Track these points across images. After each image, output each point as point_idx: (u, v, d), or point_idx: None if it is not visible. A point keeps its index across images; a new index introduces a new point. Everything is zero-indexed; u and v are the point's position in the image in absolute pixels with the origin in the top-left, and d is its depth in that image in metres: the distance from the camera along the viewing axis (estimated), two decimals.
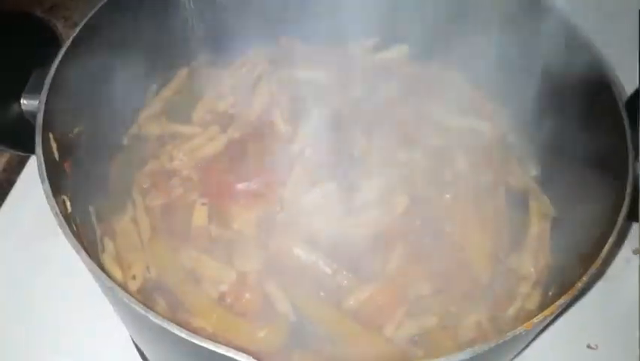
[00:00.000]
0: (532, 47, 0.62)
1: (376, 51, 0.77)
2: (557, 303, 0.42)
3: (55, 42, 0.65)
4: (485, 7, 0.67)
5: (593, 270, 0.43)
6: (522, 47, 0.64)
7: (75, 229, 0.51)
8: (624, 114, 0.53)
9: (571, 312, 0.67)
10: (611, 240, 0.45)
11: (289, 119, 0.71)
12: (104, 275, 0.41)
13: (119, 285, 0.52)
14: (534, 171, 0.68)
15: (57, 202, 0.46)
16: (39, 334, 0.65)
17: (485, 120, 0.70)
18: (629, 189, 0.48)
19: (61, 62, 0.55)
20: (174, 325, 0.39)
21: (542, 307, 0.55)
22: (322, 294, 0.59)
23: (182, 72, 0.75)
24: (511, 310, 0.58)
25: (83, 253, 0.42)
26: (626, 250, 0.74)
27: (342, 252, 0.62)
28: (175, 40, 0.73)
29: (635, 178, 0.50)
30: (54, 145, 0.52)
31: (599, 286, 0.70)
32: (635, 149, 0.52)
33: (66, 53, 0.56)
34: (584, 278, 0.43)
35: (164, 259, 0.60)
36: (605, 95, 0.55)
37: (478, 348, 0.38)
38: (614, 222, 0.46)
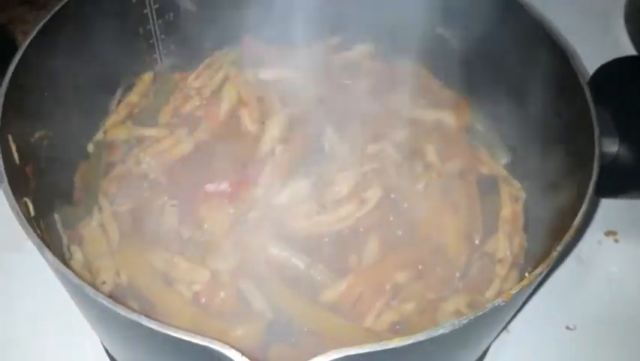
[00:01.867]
0: (494, 36, 0.63)
1: (341, 50, 0.78)
2: (535, 273, 0.42)
3: (13, 48, 0.63)
4: (449, 3, 0.67)
5: (567, 239, 0.44)
6: (485, 37, 0.64)
7: (39, 232, 0.50)
8: (587, 92, 0.53)
9: (548, 295, 0.67)
10: (582, 210, 0.45)
11: (257, 118, 0.70)
12: (70, 273, 0.40)
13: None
14: (504, 158, 0.69)
15: (19, 204, 0.45)
16: (6, 348, 0.63)
17: (452, 111, 0.70)
18: (596, 164, 0.48)
19: (18, 65, 0.54)
20: (145, 317, 0.38)
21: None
22: (298, 289, 0.58)
23: (147, 76, 0.74)
24: (490, 293, 0.58)
25: (47, 252, 0.40)
26: (598, 233, 0.74)
27: (316, 247, 0.61)
28: (139, 44, 0.72)
29: (601, 153, 0.50)
30: (13, 146, 0.50)
31: (574, 269, 0.71)
32: (600, 125, 0.53)
33: (23, 55, 0.55)
34: (559, 248, 0.43)
35: (135, 262, 0.59)
36: (567, 74, 0.56)
37: (458, 322, 0.38)
38: (584, 196, 0.46)
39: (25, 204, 0.49)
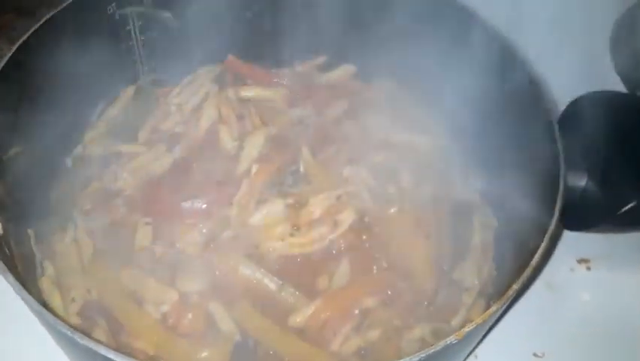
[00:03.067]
0: (470, 65, 0.64)
1: (323, 70, 0.78)
2: (489, 311, 0.43)
3: None
4: (426, 28, 0.68)
5: (524, 277, 0.44)
6: (461, 66, 0.65)
7: (8, 252, 0.50)
8: (556, 129, 0.54)
9: (517, 320, 0.68)
10: (541, 247, 0.46)
11: (236, 137, 0.71)
12: (30, 297, 0.40)
13: (57, 308, 0.51)
14: (477, 184, 0.69)
15: None
16: None
17: (427, 135, 0.71)
18: (559, 202, 0.49)
19: None
20: (103, 346, 0.38)
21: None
22: (268, 312, 0.58)
23: (128, 91, 0.74)
24: (455, 321, 0.59)
25: (10, 275, 0.41)
26: (571, 260, 0.75)
27: (288, 269, 0.62)
28: (121, 59, 0.73)
29: (565, 190, 0.51)
30: None
31: (545, 295, 0.72)
32: (568, 160, 0.54)
33: (2, 71, 0.56)
34: (515, 286, 0.44)
35: (106, 280, 0.59)
36: (537, 108, 0.57)
37: (408, 359, 0.38)
38: (544, 233, 0.47)
39: None
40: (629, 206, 0.54)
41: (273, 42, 0.76)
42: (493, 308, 0.43)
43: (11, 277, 0.41)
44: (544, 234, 0.47)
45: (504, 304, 0.43)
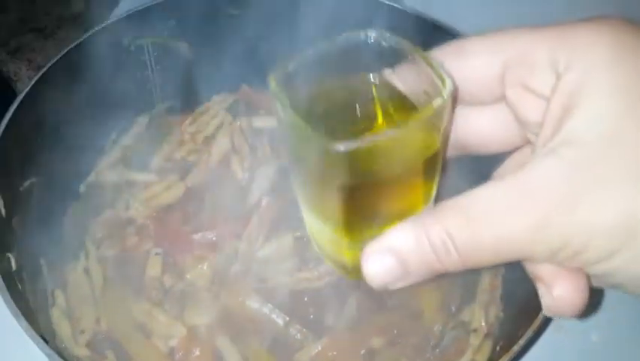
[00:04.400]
0: None
1: None
2: None
3: (9, 92, 0.65)
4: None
5: (530, 333, 0.44)
6: None
7: (21, 287, 0.51)
8: None
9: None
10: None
11: (247, 167, 0.71)
12: (41, 341, 0.41)
13: (66, 338, 0.52)
14: None
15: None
16: None
17: None
18: None
19: (12, 117, 0.55)
20: None
21: (491, 359, 0.57)
22: (275, 348, 0.59)
23: (143, 120, 0.75)
24: None
25: (23, 320, 0.42)
26: None
27: (296, 304, 0.62)
28: (136, 88, 0.73)
29: None
30: (0, 202, 0.51)
31: (553, 336, 0.71)
32: None
33: (19, 107, 0.57)
34: (521, 342, 0.44)
35: (116, 311, 0.60)
36: None
37: None
38: None
39: (8, 260, 0.50)
40: None
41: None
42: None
43: (24, 322, 0.42)
44: None
45: (514, 354, 0.43)
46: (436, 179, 0.38)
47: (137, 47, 0.70)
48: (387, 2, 0.68)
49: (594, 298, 0.66)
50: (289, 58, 0.37)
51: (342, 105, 0.39)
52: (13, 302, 0.43)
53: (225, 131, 0.74)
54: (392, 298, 0.63)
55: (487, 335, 0.61)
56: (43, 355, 0.48)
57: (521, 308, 0.57)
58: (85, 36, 0.64)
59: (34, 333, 0.41)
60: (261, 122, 0.76)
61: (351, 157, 0.32)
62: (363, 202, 0.36)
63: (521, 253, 0.32)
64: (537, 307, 0.48)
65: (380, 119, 0.38)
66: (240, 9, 0.71)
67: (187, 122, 0.76)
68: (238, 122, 0.75)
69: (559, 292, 0.34)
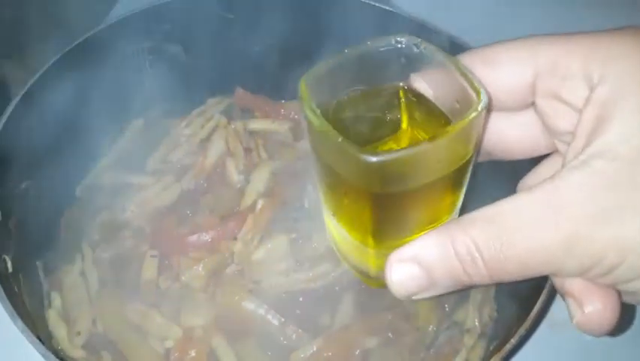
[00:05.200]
0: None
1: None
2: None
3: (3, 95, 0.66)
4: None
5: (522, 332, 0.45)
6: None
7: (17, 289, 0.51)
8: None
9: (515, 358, 0.68)
10: (540, 300, 0.46)
11: (242, 170, 0.72)
12: (37, 342, 0.41)
13: (62, 340, 0.52)
14: None
15: None
16: None
17: None
18: None
19: (8, 119, 0.56)
20: None
21: (485, 359, 0.57)
22: (270, 348, 0.59)
23: (138, 122, 0.75)
24: None
25: (19, 320, 0.42)
26: None
27: (291, 305, 0.62)
28: (131, 91, 0.74)
29: None
30: None
31: (547, 333, 0.72)
32: None
33: (14, 110, 0.57)
34: (513, 340, 0.44)
35: (111, 313, 0.60)
36: None
37: None
38: (543, 287, 0.47)
39: (4, 261, 0.50)
40: None
41: (281, 75, 0.77)
42: (496, 358, 0.43)
43: (20, 323, 0.42)
44: (544, 286, 0.48)
45: (501, 357, 0.44)
46: (464, 188, 0.38)
47: (133, 51, 0.71)
48: (375, 4, 0.69)
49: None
50: (319, 63, 0.37)
51: (369, 109, 0.38)
52: (9, 304, 0.43)
53: (220, 133, 0.75)
54: (386, 298, 0.63)
55: (481, 335, 0.61)
56: (39, 356, 0.49)
57: (515, 308, 0.57)
58: (80, 39, 0.64)
59: (30, 334, 0.42)
60: (256, 124, 0.77)
61: (384, 168, 0.32)
62: (392, 211, 0.35)
63: (550, 268, 0.31)
64: (531, 306, 0.50)
65: (405, 124, 0.39)
66: (235, 12, 0.72)
67: (182, 124, 0.76)
68: (233, 125, 0.76)
69: (590, 310, 0.33)
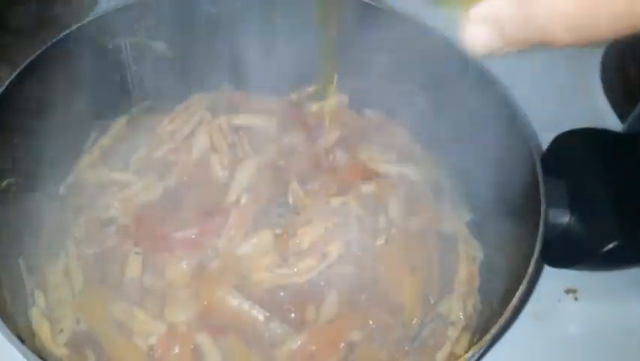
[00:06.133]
0: (457, 102, 0.65)
1: (316, 99, 0.79)
2: (474, 348, 0.43)
3: None
4: (419, 65, 0.69)
5: (502, 322, 0.45)
6: (449, 103, 0.66)
7: None
8: (539, 168, 0.55)
9: (503, 352, 0.68)
10: (520, 290, 0.47)
11: (227, 165, 0.72)
12: (16, 340, 0.41)
13: (45, 338, 0.52)
14: (467, 216, 0.70)
15: None
16: None
17: (416, 167, 0.72)
18: (538, 243, 0.50)
19: None
20: None
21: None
22: (255, 344, 0.59)
23: (122, 119, 0.75)
24: (440, 356, 0.59)
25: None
26: (558, 290, 0.76)
27: (276, 300, 0.62)
28: (114, 88, 0.73)
29: (546, 226, 0.52)
30: None
31: (531, 325, 0.72)
32: (550, 197, 0.55)
33: None
34: (493, 330, 0.44)
35: (95, 310, 0.60)
36: (520, 145, 0.58)
37: None
38: (523, 277, 0.47)
39: None
40: (612, 245, 0.55)
41: (267, 71, 0.77)
42: (468, 354, 0.43)
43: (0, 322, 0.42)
44: (523, 278, 0.48)
45: (481, 348, 0.44)
46: None
47: (115, 47, 0.70)
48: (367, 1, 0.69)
49: None
50: None
51: None
52: None
53: (204, 129, 0.74)
54: (370, 292, 0.63)
55: (465, 328, 0.61)
56: (20, 356, 0.49)
57: (500, 301, 0.57)
58: (61, 35, 0.64)
59: (9, 332, 0.41)
60: (241, 120, 0.76)
61: None
62: None
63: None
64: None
65: None
66: (218, 6, 0.72)
67: (166, 121, 0.76)
68: (217, 121, 0.75)
69: None
